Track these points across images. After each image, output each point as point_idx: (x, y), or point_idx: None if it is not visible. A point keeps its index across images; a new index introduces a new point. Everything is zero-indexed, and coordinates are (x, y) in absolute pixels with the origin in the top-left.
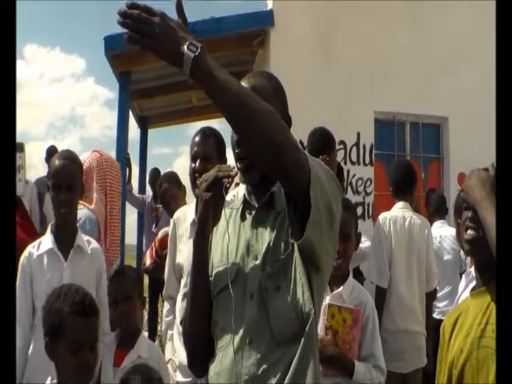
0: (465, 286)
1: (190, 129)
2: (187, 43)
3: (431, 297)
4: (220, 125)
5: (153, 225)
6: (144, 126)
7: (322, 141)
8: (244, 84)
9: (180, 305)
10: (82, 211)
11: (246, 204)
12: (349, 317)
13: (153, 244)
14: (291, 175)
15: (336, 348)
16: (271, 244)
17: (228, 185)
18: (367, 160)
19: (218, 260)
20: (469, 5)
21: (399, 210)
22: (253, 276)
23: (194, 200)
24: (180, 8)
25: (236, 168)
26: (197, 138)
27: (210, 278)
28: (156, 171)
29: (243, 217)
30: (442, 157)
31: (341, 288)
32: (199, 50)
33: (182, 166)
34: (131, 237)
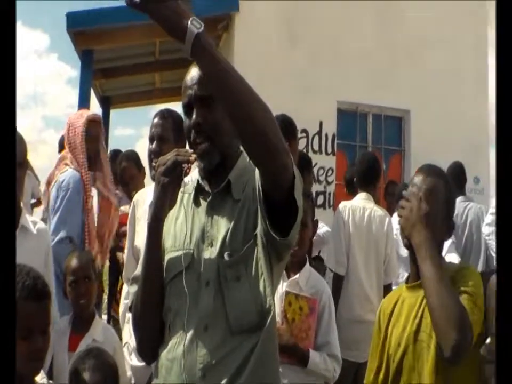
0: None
1: (153, 111)
2: (191, 18)
3: (389, 289)
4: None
5: None
6: (106, 106)
7: (284, 128)
8: (194, 68)
9: (127, 289)
10: (67, 172)
11: (199, 189)
12: (306, 305)
13: None
14: (279, 177)
15: (291, 337)
16: (229, 233)
17: (188, 170)
18: (329, 150)
19: (170, 245)
20: None
21: (361, 201)
22: (209, 263)
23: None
24: None
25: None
26: (155, 120)
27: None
28: (116, 152)
29: (197, 203)
30: (404, 149)
31: (297, 276)
32: (202, 27)
33: (144, 148)
34: None
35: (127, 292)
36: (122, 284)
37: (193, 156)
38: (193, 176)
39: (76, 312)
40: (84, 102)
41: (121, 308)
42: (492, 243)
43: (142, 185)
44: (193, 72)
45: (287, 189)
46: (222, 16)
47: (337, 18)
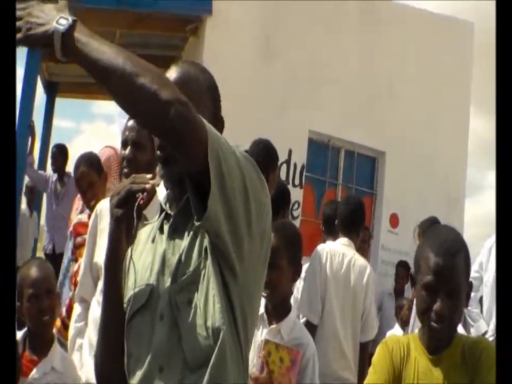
0: None
1: (96, 106)
2: (57, 17)
3: (366, 349)
4: None
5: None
6: (51, 92)
7: (266, 155)
8: (174, 69)
9: (79, 310)
10: None
11: (165, 214)
12: (287, 357)
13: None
14: (185, 140)
15: None
16: (183, 254)
17: (141, 201)
18: (297, 181)
19: (132, 282)
20: (421, 23)
21: (341, 246)
22: (163, 294)
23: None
24: None
25: (154, 179)
26: (129, 122)
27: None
28: (61, 147)
29: (161, 229)
30: (376, 193)
31: (279, 324)
32: (70, 23)
33: (82, 144)
34: None
35: (79, 314)
36: (68, 298)
37: (151, 183)
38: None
39: (34, 330)
40: (29, 85)
41: (71, 332)
42: (472, 310)
43: (102, 193)
44: (170, 74)
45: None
46: (191, 18)
47: (319, 42)
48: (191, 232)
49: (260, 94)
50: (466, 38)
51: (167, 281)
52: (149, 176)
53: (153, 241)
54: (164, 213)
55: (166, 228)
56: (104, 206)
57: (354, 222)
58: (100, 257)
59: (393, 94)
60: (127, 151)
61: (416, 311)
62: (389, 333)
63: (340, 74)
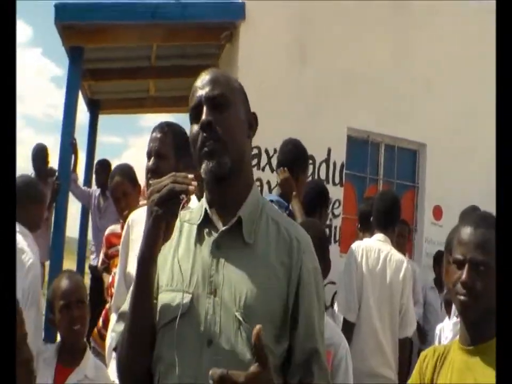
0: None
1: (143, 120)
2: None
3: (404, 345)
4: (176, 118)
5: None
6: (94, 110)
7: (294, 154)
8: (210, 71)
9: (113, 326)
10: None
11: (205, 220)
12: None
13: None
14: None
15: None
16: (243, 288)
17: (186, 204)
18: (337, 180)
19: (166, 283)
20: (457, 14)
21: (377, 242)
22: (212, 317)
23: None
24: None
25: (195, 180)
26: (153, 134)
27: (155, 301)
28: (104, 162)
29: (200, 237)
30: (418, 186)
31: None
32: None
33: (130, 159)
34: (73, 230)
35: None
36: (104, 309)
37: (193, 184)
38: (194, 202)
39: (67, 340)
40: (70, 104)
41: (108, 341)
42: None
43: (135, 203)
44: (204, 76)
45: None
46: (226, 24)
47: (352, 40)
48: (249, 263)
49: (297, 95)
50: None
51: (209, 298)
52: (191, 176)
53: (193, 244)
54: (204, 218)
55: (207, 238)
56: (136, 217)
57: (389, 217)
58: (133, 267)
59: (431, 86)
60: (151, 162)
61: (450, 293)
62: (438, 327)
63: (375, 70)
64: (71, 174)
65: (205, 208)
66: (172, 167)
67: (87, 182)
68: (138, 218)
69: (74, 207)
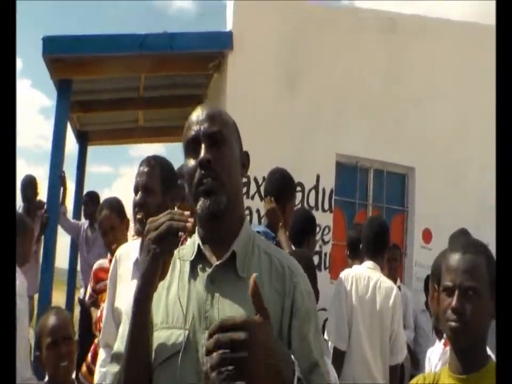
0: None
1: (133, 150)
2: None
3: (395, 372)
4: (166, 148)
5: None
6: (83, 141)
7: (281, 184)
8: (205, 107)
9: (104, 355)
10: None
11: (198, 256)
12: None
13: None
14: None
15: None
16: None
17: (185, 241)
18: (326, 206)
19: (161, 321)
20: (445, 34)
21: (366, 269)
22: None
23: (136, 235)
24: None
25: (193, 217)
26: (140, 168)
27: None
28: (92, 194)
29: (194, 273)
30: (407, 209)
31: None
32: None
33: (121, 189)
34: (62, 261)
35: (104, 359)
36: (93, 344)
37: (191, 221)
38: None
39: (54, 378)
40: (59, 136)
41: (97, 377)
42: None
43: (123, 237)
44: (201, 111)
45: None
46: (214, 54)
47: (341, 67)
48: (243, 297)
49: (285, 123)
50: (491, 42)
51: (205, 333)
52: (187, 213)
53: (188, 281)
54: (197, 253)
55: (200, 273)
56: (123, 252)
57: (378, 244)
58: (121, 302)
59: (420, 108)
60: (138, 196)
61: (440, 320)
62: (429, 351)
63: (364, 94)
64: (60, 207)
65: (198, 244)
66: (159, 201)
67: (77, 214)
68: (126, 253)
69: (64, 238)
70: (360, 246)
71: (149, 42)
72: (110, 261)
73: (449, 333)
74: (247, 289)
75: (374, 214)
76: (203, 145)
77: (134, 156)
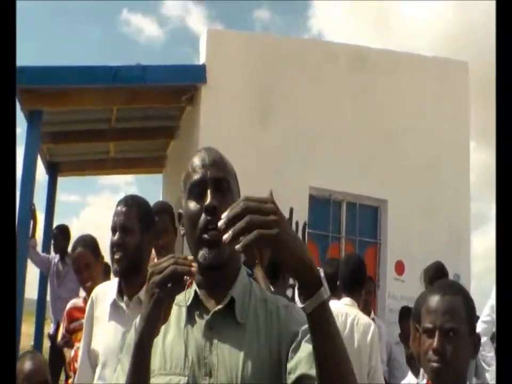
0: None
1: (102, 179)
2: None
3: None
4: (136, 179)
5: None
6: (53, 172)
7: None
8: (208, 151)
9: None
10: None
11: (195, 302)
12: None
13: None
14: None
15: None
16: (239, 365)
17: (190, 285)
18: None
19: (159, 367)
20: (415, 69)
21: (344, 306)
22: None
23: (114, 275)
24: None
25: (194, 261)
26: (118, 208)
27: None
28: (62, 227)
29: (191, 319)
30: (380, 242)
31: None
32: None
33: (89, 217)
34: (32, 291)
35: None
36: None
37: (195, 265)
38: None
39: None
40: (29, 169)
41: None
42: (485, 354)
43: (98, 275)
44: (204, 155)
45: None
46: (186, 87)
47: (313, 101)
48: (243, 342)
49: (258, 156)
50: (462, 77)
51: (205, 381)
52: (190, 257)
53: (184, 327)
54: (193, 298)
55: (198, 320)
56: (100, 292)
57: (355, 281)
58: (98, 344)
59: (391, 141)
60: (116, 236)
61: (421, 360)
62: (403, 382)
63: (336, 128)
64: (29, 240)
65: (195, 290)
66: (137, 241)
67: (46, 248)
68: (102, 294)
69: (33, 269)
70: (338, 282)
71: (121, 74)
72: (85, 299)
73: (431, 373)
74: (245, 334)
75: (347, 246)
76: (209, 191)
77: (103, 184)
